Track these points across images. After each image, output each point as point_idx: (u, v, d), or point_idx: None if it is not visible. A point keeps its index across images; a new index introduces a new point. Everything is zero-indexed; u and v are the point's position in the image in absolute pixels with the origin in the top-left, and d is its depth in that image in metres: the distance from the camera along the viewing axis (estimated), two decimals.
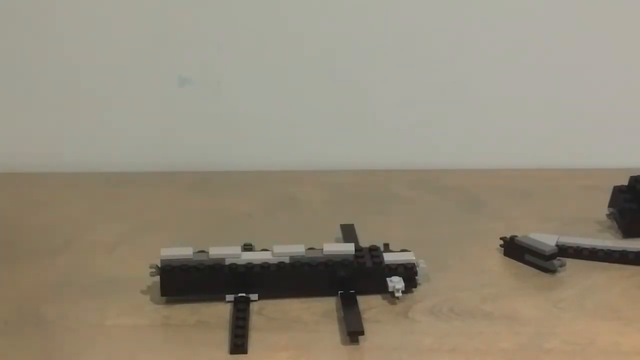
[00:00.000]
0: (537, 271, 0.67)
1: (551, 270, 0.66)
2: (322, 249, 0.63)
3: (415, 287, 0.64)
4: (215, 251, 0.63)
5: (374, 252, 0.65)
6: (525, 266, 0.68)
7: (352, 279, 0.63)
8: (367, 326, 0.59)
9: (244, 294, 0.62)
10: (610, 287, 0.64)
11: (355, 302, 0.61)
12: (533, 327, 0.59)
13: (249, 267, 0.62)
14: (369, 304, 0.62)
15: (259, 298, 0.63)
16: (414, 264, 0.64)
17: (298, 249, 0.63)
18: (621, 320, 0.60)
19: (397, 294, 0.62)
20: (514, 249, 0.69)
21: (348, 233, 0.71)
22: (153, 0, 0.88)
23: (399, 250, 0.66)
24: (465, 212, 0.80)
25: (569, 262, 0.68)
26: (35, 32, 0.90)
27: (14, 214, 0.80)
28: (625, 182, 0.76)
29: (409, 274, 0.63)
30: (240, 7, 0.88)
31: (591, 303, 0.62)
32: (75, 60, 0.90)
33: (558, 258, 0.67)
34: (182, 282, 0.62)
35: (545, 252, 0.67)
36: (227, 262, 0.62)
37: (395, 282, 0.62)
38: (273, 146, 0.94)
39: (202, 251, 0.63)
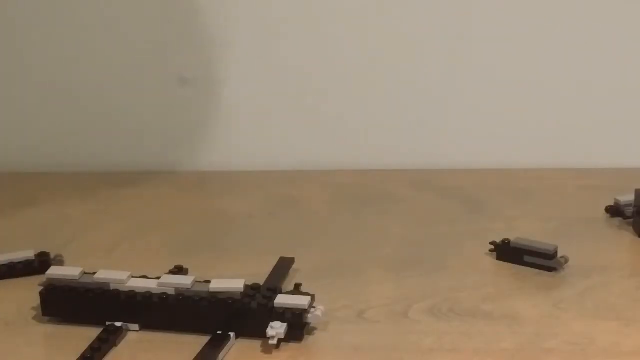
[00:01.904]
0: (536, 271, 0.67)
1: (556, 269, 0.66)
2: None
3: (302, 337, 0.57)
4: (102, 275, 0.60)
5: (269, 291, 0.59)
6: (524, 266, 0.68)
7: (234, 320, 0.58)
8: (367, 326, 0.59)
9: (120, 323, 0.59)
10: (610, 287, 0.64)
11: (221, 345, 0.56)
12: (533, 327, 0.59)
13: (131, 295, 0.59)
14: (369, 304, 0.62)
15: (141, 329, 0.59)
16: (304, 309, 0.57)
17: (185, 281, 0.59)
18: (621, 320, 0.60)
19: (271, 342, 0.55)
20: (509, 252, 0.68)
21: (281, 267, 0.66)
22: (153, 0, 0.88)
23: (306, 293, 0.59)
24: (465, 212, 0.80)
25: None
26: (35, 31, 0.90)
27: (14, 213, 0.80)
28: (626, 182, 0.76)
29: (296, 320, 0.56)
30: (239, 8, 0.89)
31: (591, 303, 0.62)
32: (76, 60, 0.90)
33: (561, 256, 0.67)
34: (63, 303, 0.60)
35: (550, 251, 0.66)
36: (112, 287, 0.59)
37: (276, 328, 0.55)
38: (273, 146, 0.94)
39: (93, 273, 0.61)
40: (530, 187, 0.85)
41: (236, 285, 0.58)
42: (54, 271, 0.61)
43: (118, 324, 0.59)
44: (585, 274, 0.66)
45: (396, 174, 0.90)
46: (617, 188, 0.79)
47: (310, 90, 0.92)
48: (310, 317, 0.57)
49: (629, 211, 0.75)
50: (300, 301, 0.57)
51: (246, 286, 0.59)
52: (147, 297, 0.59)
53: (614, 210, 0.77)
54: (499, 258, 0.69)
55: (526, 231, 0.72)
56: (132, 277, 0.60)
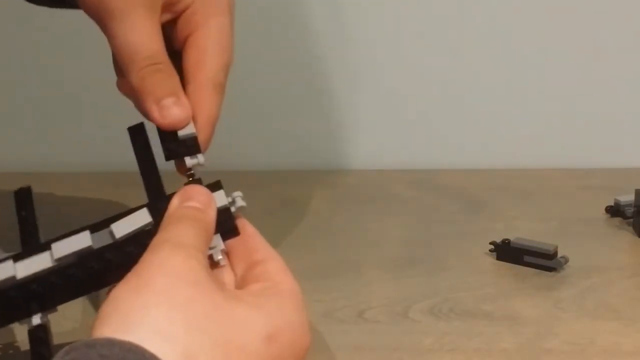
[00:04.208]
0: (536, 271, 0.67)
1: (556, 269, 0.66)
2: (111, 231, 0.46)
3: (236, 233, 0.46)
4: None
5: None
6: (524, 266, 0.68)
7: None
8: (366, 326, 0.59)
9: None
10: (610, 287, 0.64)
11: None
12: (533, 327, 0.59)
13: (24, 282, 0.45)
14: (369, 304, 0.62)
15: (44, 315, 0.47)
16: (225, 207, 0.47)
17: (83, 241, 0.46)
18: (621, 320, 0.60)
19: (217, 258, 0.45)
20: (509, 252, 0.68)
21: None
22: None
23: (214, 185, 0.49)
24: (464, 212, 0.80)
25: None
26: (35, 31, 0.90)
27: (14, 213, 0.80)
28: (626, 182, 0.76)
29: (225, 221, 0.46)
30: (239, 8, 0.88)
31: (591, 303, 0.62)
32: (76, 60, 0.90)
33: (561, 256, 0.67)
34: None
35: (550, 251, 0.66)
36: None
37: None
38: (273, 146, 0.94)
39: None
40: (530, 187, 0.85)
41: (142, 219, 0.46)
42: None
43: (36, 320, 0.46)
44: (585, 274, 0.66)
45: (396, 174, 0.90)
46: (617, 188, 0.79)
47: (310, 90, 0.92)
48: (235, 209, 0.47)
49: (629, 211, 0.75)
50: (221, 200, 0.47)
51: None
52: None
53: (614, 210, 0.77)
54: (499, 258, 0.69)
55: (526, 231, 0.72)
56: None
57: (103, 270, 0.45)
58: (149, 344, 0.35)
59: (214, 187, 0.48)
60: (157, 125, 0.50)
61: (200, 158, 0.51)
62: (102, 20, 0.50)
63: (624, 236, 0.74)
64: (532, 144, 0.92)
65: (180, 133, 0.50)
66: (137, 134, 0.52)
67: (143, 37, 0.49)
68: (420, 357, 0.56)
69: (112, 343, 0.35)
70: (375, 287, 0.65)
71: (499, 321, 0.60)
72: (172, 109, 0.49)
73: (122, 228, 0.46)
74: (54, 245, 0.46)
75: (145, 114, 0.50)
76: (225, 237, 0.46)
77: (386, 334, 0.58)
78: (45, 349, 0.45)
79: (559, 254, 0.67)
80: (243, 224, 0.47)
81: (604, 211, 0.77)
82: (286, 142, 0.93)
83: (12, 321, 0.46)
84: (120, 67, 0.52)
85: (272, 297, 0.42)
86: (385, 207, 0.81)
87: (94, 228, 0.47)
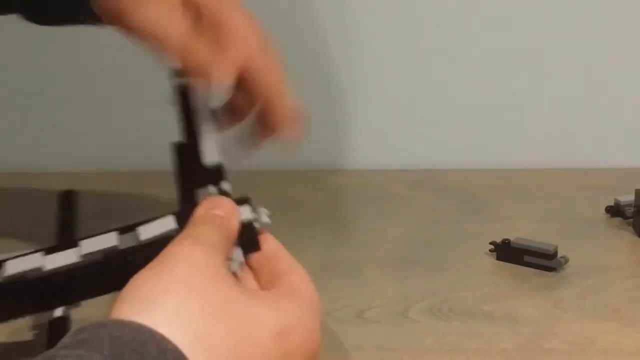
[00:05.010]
0: (536, 271, 0.67)
1: (556, 269, 0.66)
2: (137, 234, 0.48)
3: (257, 248, 0.48)
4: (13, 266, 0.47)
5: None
6: (524, 266, 0.68)
7: None
8: (366, 326, 0.59)
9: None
10: (610, 287, 0.64)
11: None
12: (533, 327, 0.59)
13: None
14: (369, 304, 0.62)
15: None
16: (251, 220, 0.48)
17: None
18: (621, 320, 0.60)
19: (233, 268, 0.45)
20: (509, 252, 0.68)
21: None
22: None
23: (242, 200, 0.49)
24: (465, 212, 0.80)
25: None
26: (35, 31, 0.90)
27: (14, 213, 0.80)
28: (626, 182, 0.76)
29: (247, 234, 0.47)
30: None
31: (591, 303, 0.62)
32: (75, 60, 0.90)
33: (561, 256, 0.67)
34: None
35: (550, 251, 0.66)
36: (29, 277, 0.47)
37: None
38: (273, 146, 0.93)
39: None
40: (530, 187, 0.85)
41: (168, 224, 0.47)
42: None
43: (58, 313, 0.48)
44: (585, 274, 0.66)
45: (396, 174, 0.90)
46: (617, 188, 0.79)
47: (310, 90, 0.92)
48: (260, 224, 0.49)
49: (629, 211, 0.75)
50: (245, 214, 0.48)
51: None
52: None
53: (614, 210, 0.77)
54: (499, 258, 0.69)
55: (526, 231, 0.72)
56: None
57: (126, 270, 0.44)
58: (163, 327, 0.36)
59: (241, 201, 0.49)
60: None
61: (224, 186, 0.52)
62: (124, 11, 0.52)
63: (624, 236, 0.74)
64: (532, 144, 0.92)
65: (207, 162, 0.52)
66: (180, 150, 0.55)
67: (171, 16, 0.52)
68: (420, 357, 0.56)
69: (122, 324, 0.36)
70: (375, 287, 0.65)
71: (499, 321, 0.60)
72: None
73: (147, 231, 0.48)
74: (83, 243, 0.48)
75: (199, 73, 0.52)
76: (246, 251, 0.47)
77: (386, 334, 0.58)
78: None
79: (559, 254, 0.67)
80: (266, 237, 0.49)
81: (604, 211, 0.78)
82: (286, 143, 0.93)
83: (35, 311, 0.48)
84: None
85: (289, 299, 0.43)
86: (385, 207, 0.81)
87: (123, 230, 0.49)
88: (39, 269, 0.47)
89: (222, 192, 0.51)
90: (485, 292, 0.64)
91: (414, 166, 0.91)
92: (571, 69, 0.90)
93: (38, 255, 0.48)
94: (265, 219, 0.49)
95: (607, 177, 0.86)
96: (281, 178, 0.89)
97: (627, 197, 0.75)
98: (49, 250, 0.48)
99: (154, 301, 0.37)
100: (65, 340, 0.36)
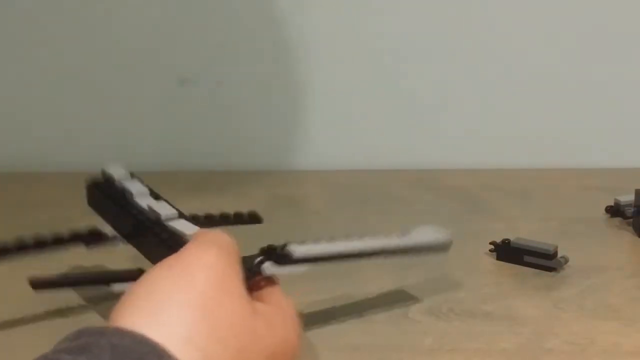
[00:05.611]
0: (536, 271, 0.67)
1: (556, 269, 0.66)
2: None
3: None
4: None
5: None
6: (524, 266, 0.68)
7: None
8: (366, 326, 0.59)
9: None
10: (610, 287, 0.64)
11: None
12: (533, 327, 0.59)
13: None
14: (369, 304, 0.62)
15: None
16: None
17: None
18: (621, 320, 0.60)
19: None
20: (509, 252, 0.68)
21: None
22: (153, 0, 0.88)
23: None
24: (465, 212, 0.80)
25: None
26: (35, 31, 0.90)
27: (14, 213, 0.80)
28: (626, 182, 0.76)
29: (281, 253, 0.50)
30: (238, 9, 0.89)
31: (591, 303, 0.62)
32: (75, 60, 0.90)
33: (561, 256, 0.67)
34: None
35: (550, 251, 0.66)
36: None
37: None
38: (273, 146, 0.94)
39: None
40: (530, 187, 0.85)
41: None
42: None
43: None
44: (585, 274, 0.66)
45: (396, 174, 0.90)
46: (617, 188, 0.79)
47: (310, 90, 0.92)
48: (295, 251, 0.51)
49: (629, 211, 0.75)
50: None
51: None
52: None
53: (614, 210, 0.77)
54: (499, 258, 0.69)
55: (526, 231, 0.72)
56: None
57: None
58: (170, 343, 0.36)
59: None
60: None
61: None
62: None
63: (624, 236, 0.74)
64: (532, 144, 0.92)
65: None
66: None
67: None
68: (420, 357, 0.56)
69: (122, 333, 0.36)
70: (375, 287, 0.65)
71: (499, 321, 0.60)
72: None
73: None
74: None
75: None
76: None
77: (386, 334, 0.58)
78: None
79: (559, 254, 0.67)
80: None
81: (604, 211, 0.78)
82: (286, 142, 0.93)
83: None
84: None
85: (280, 317, 0.45)
86: (385, 207, 0.81)
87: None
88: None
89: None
90: (485, 292, 0.64)
91: (414, 166, 0.92)
92: (571, 69, 0.90)
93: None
94: (267, 271, 0.50)
95: (607, 177, 0.86)
96: (281, 178, 0.89)
97: (627, 197, 0.75)
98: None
99: (168, 314, 0.38)
100: (64, 344, 0.36)
